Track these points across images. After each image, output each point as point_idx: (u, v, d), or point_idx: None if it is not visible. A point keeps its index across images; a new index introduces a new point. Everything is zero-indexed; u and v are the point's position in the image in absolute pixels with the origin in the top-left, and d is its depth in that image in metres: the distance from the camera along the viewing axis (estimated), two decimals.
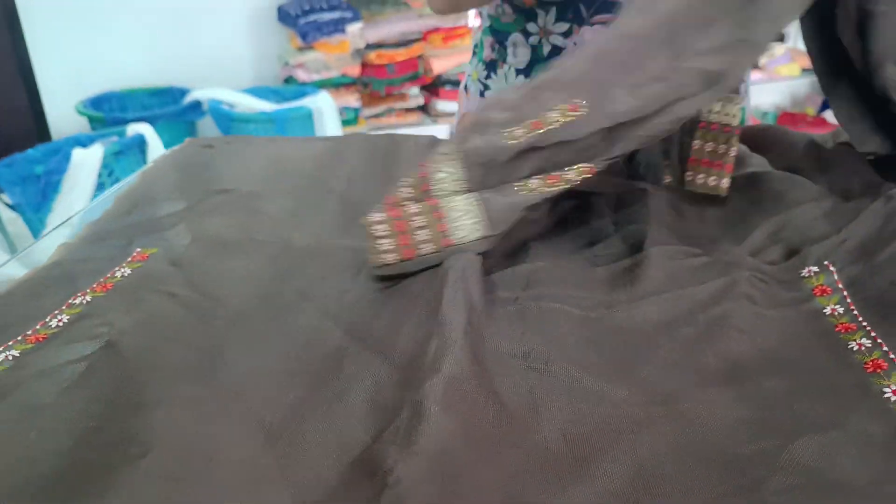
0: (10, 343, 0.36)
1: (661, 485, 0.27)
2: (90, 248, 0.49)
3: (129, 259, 0.46)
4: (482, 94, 0.82)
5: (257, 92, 2.31)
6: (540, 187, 0.43)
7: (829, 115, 2.64)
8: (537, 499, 0.27)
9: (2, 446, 0.29)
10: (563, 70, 0.45)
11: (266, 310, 0.40)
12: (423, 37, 2.52)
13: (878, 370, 0.32)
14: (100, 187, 1.66)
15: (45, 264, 0.47)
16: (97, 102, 2.29)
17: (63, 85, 2.36)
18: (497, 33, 0.78)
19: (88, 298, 0.41)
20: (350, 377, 0.34)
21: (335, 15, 2.33)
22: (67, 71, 2.36)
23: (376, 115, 2.59)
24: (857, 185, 0.47)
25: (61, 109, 2.34)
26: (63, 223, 0.55)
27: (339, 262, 0.45)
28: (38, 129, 2.36)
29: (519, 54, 0.76)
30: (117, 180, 1.70)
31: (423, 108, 2.69)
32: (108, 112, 2.25)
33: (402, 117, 2.63)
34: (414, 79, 2.55)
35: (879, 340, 0.34)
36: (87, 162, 1.58)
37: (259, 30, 2.57)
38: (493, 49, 0.79)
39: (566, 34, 0.72)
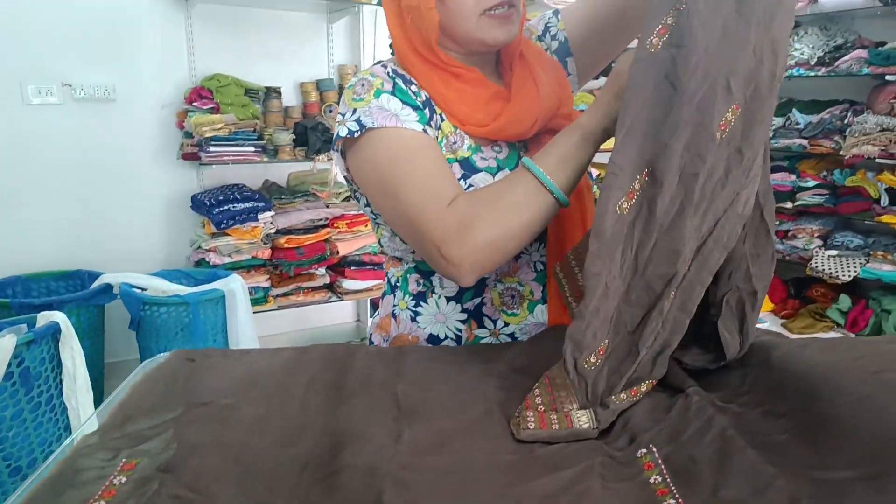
0: None
1: None
2: (83, 461, 0.59)
3: (121, 467, 0.57)
4: (413, 320, 0.94)
5: (169, 275, 2.41)
6: (627, 398, 0.65)
7: None
8: None
9: None
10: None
11: (245, 500, 0.53)
12: (330, 223, 2.77)
13: None
14: (7, 377, 1.66)
15: (49, 475, 0.57)
16: (0, 287, 2.29)
17: None
18: (423, 272, 0.93)
19: (104, 503, 0.52)
20: None
21: (248, 204, 2.54)
22: None
23: (285, 294, 2.74)
24: (677, 384, 0.67)
25: None
26: None
27: (292, 463, 0.58)
28: None
29: (447, 285, 0.91)
30: (27, 370, 1.71)
31: (330, 287, 2.87)
32: (12, 297, 2.26)
33: (310, 295, 2.79)
34: (321, 260, 2.75)
35: (681, 500, 0.51)
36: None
37: (172, 215, 2.72)
38: (418, 283, 0.93)
39: None
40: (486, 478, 0.56)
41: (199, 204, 2.59)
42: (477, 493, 0.54)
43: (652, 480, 0.55)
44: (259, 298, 2.62)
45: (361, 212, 2.87)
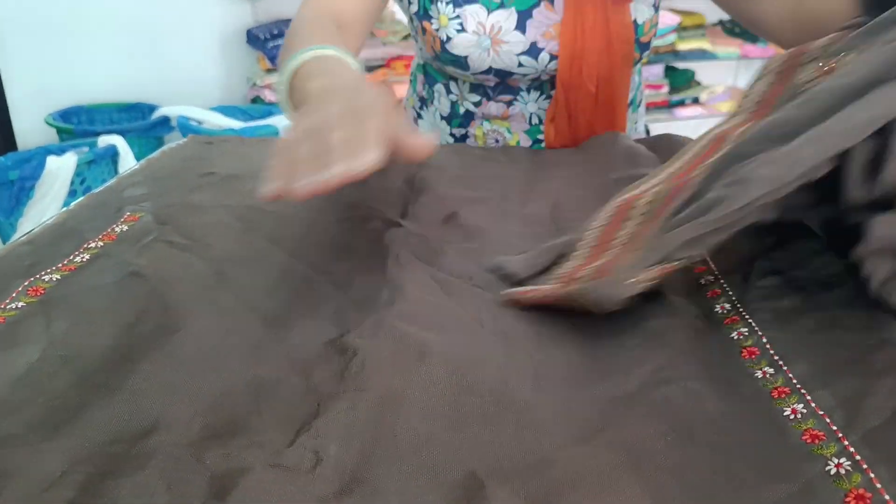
0: (48, 270, 0.45)
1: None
2: (89, 211, 0.58)
3: (123, 219, 0.56)
4: (416, 121, 0.91)
5: (225, 110, 2.39)
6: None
7: None
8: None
9: (71, 328, 0.39)
10: None
11: (246, 250, 0.50)
12: (387, 63, 2.65)
13: (714, 295, 0.44)
14: (71, 194, 1.72)
15: (52, 223, 0.56)
16: (66, 115, 2.34)
17: (31, 97, 2.40)
18: (427, 76, 0.87)
19: (101, 244, 0.51)
20: (320, 298, 0.44)
21: None
22: (36, 83, 2.41)
23: None
24: None
25: (29, 121, 2.38)
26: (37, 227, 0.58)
27: (298, 222, 0.55)
28: (3, 139, 2.39)
29: (442, 103, 0.85)
30: (89, 188, 1.77)
31: None
32: (76, 125, 2.30)
33: None
34: None
35: (720, 277, 0.45)
36: (61, 169, 1.64)
37: (228, 51, 2.67)
38: (423, 87, 0.88)
39: (476, 104, 0.83)
40: (495, 250, 0.52)
41: (254, 38, 2.52)
42: (485, 259, 0.50)
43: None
44: None
45: None
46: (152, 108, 2.41)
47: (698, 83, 3.10)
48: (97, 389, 0.34)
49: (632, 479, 0.29)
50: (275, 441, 0.30)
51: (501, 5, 0.74)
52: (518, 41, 0.74)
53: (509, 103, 0.81)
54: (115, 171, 1.82)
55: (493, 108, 0.82)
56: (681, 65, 3.02)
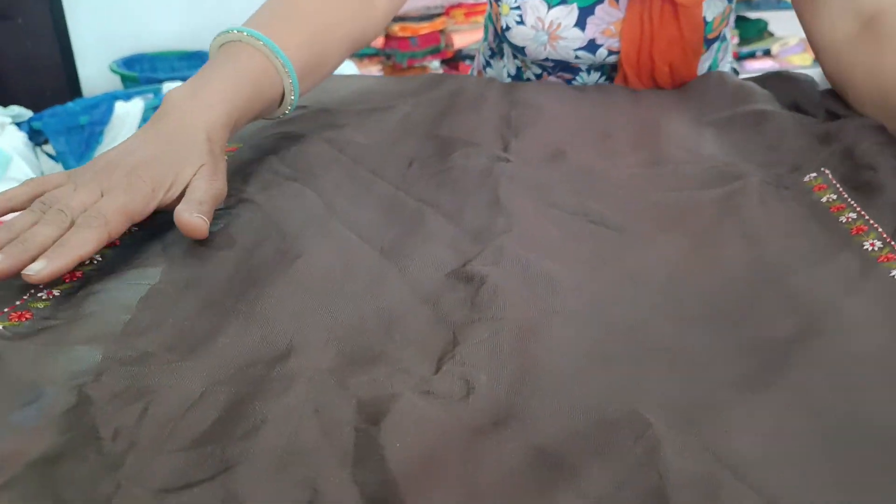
0: None
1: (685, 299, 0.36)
2: None
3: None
4: (484, 70, 0.89)
5: None
6: None
7: None
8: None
9: (188, 252, 0.38)
10: None
11: (350, 181, 0.49)
12: (446, 12, 2.58)
13: (860, 232, 0.40)
14: None
15: None
16: (129, 63, 2.36)
17: (96, 44, 2.43)
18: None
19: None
20: (432, 229, 0.42)
21: None
22: (100, 31, 2.43)
23: None
24: (841, 111, 0.55)
25: (93, 68, 2.41)
26: None
27: (399, 154, 0.53)
28: (69, 86, 2.43)
29: (509, 64, 0.83)
30: None
31: None
32: (140, 72, 2.32)
33: None
34: (435, 52, 2.61)
35: (862, 212, 0.42)
36: (128, 115, 1.66)
37: None
38: (494, 39, 0.85)
39: (538, 76, 0.80)
40: (609, 188, 0.49)
41: None
42: (600, 196, 0.47)
43: (825, 199, 0.45)
44: None
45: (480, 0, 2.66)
46: None
47: (771, 34, 2.93)
48: (225, 313, 0.33)
49: (808, 427, 0.27)
50: (419, 368, 0.29)
51: (563, 1, 0.70)
52: (576, 38, 0.72)
53: (569, 81, 0.79)
54: None
55: (552, 81, 0.80)
56: (753, 14, 2.86)
